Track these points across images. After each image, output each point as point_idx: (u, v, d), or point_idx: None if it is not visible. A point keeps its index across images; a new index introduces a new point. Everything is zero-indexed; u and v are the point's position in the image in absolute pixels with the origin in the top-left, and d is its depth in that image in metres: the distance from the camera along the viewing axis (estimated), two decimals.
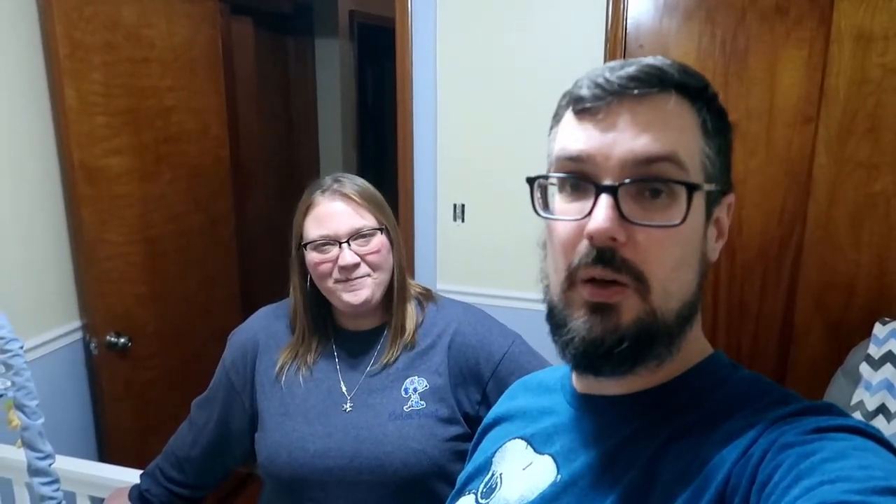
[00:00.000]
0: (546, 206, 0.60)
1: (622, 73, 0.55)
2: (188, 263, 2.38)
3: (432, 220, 2.44)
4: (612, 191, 0.53)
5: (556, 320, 0.59)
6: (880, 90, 1.90)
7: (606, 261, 0.54)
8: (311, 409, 1.11)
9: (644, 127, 0.54)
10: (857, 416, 1.71)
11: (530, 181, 0.60)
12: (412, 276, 2.41)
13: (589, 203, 0.54)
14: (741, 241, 2.11)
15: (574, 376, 0.69)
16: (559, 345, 0.58)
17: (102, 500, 1.45)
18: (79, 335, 2.08)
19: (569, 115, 0.59)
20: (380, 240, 1.10)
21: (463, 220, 2.40)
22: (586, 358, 0.56)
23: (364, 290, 1.09)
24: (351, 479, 1.06)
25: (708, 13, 2.02)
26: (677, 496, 0.52)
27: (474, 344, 1.13)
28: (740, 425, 0.53)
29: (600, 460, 0.59)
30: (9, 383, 0.92)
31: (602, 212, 0.53)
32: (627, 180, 0.53)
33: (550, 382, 0.73)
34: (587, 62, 2.13)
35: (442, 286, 2.44)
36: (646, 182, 0.54)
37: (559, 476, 0.62)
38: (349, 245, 1.07)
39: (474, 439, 0.82)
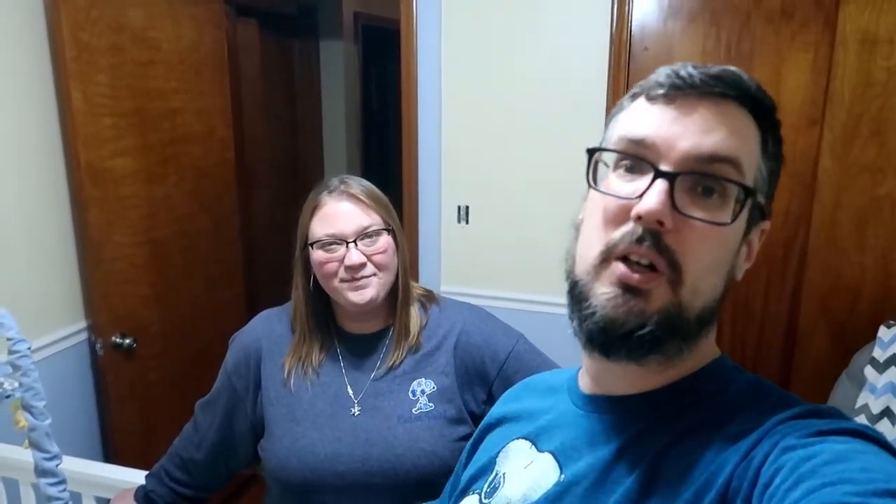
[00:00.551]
0: (596, 181, 0.60)
1: (706, 71, 0.56)
2: (193, 264, 2.39)
3: (436, 222, 2.44)
4: (670, 178, 0.54)
5: (578, 293, 0.59)
6: (886, 93, 1.90)
7: (652, 241, 0.54)
8: (320, 413, 1.11)
9: (715, 126, 0.55)
10: (862, 419, 1.71)
11: (590, 152, 0.60)
12: (416, 277, 2.41)
13: (643, 185, 0.55)
14: None
15: (581, 377, 0.69)
16: (577, 319, 0.58)
17: (108, 500, 1.45)
18: (84, 336, 2.09)
19: (640, 101, 0.59)
20: (386, 240, 1.11)
21: (467, 222, 2.40)
22: (604, 335, 0.56)
23: (369, 290, 1.09)
24: (362, 482, 1.06)
25: (713, 16, 2.02)
26: (679, 497, 0.52)
27: (479, 344, 1.14)
28: (742, 428, 0.53)
29: (605, 459, 0.59)
30: (16, 384, 0.93)
31: (655, 195, 0.53)
32: (687, 171, 0.54)
33: (556, 384, 0.74)
34: (592, 64, 2.13)
35: (446, 288, 2.45)
36: (703, 177, 0.54)
37: (562, 475, 0.62)
38: (356, 244, 1.08)
39: (474, 437, 0.82)
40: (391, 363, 1.13)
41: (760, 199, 0.57)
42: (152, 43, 2.13)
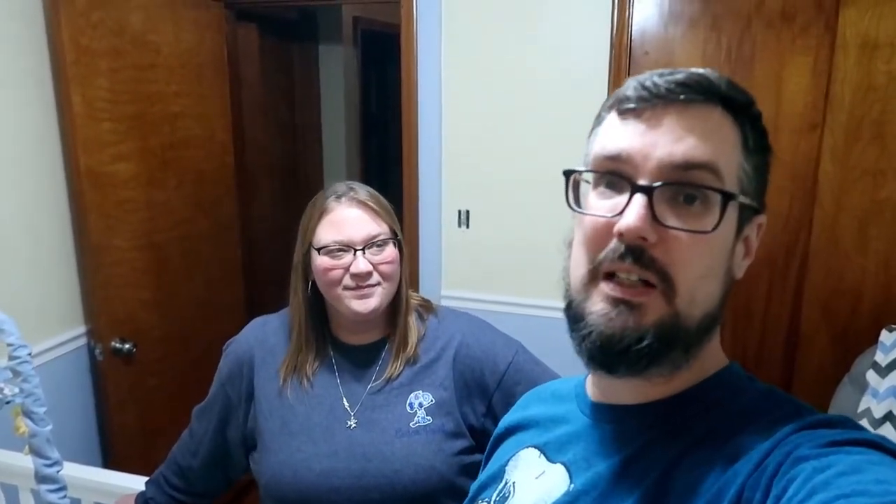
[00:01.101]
0: (578, 201, 0.60)
1: (670, 78, 0.55)
2: (193, 269, 2.39)
3: (437, 226, 2.44)
4: (648, 191, 0.53)
5: (573, 313, 0.59)
6: (886, 97, 1.90)
7: (635, 257, 0.54)
8: (315, 426, 1.09)
9: (686, 132, 0.54)
10: (864, 423, 1.70)
11: (566, 174, 0.60)
12: (417, 282, 2.41)
13: (623, 201, 0.55)
14: None
15: (588, 384, 0.68)
16: (576, 339, 0.58)
17: None
18: (84, 341, 2.08)
19: (612, 116, 0.59)
20: (392, 250, 1.09)
21: (468, 227, 2.40)
22: (602, 353, 0.56)
23: (373, 299, 1.07)
24: (358, 498, 1.04)
25: (713, 20, 2.02)
26: None
27: (479, 356, 1.12)
28: (754, 438, 0.53)
29: (614, 470, 0.59)
30: (17, 390, 0.92)
31: (634, 211, 0.53)
32: (663, 183, 0.54)
33: (564, 392, 0.73)
34: (592, 69, 2.13)
35: (447, 292, 2.44)
36: (681, 187, 0.54)
37: (572, 485, 0.61)
38: (363, 252, 1.06)
39: (487, 449, 0.82)
40: (389, 375, 1.11)
41: (744, 199, 0.56)
42: (152, 47, 2.13)
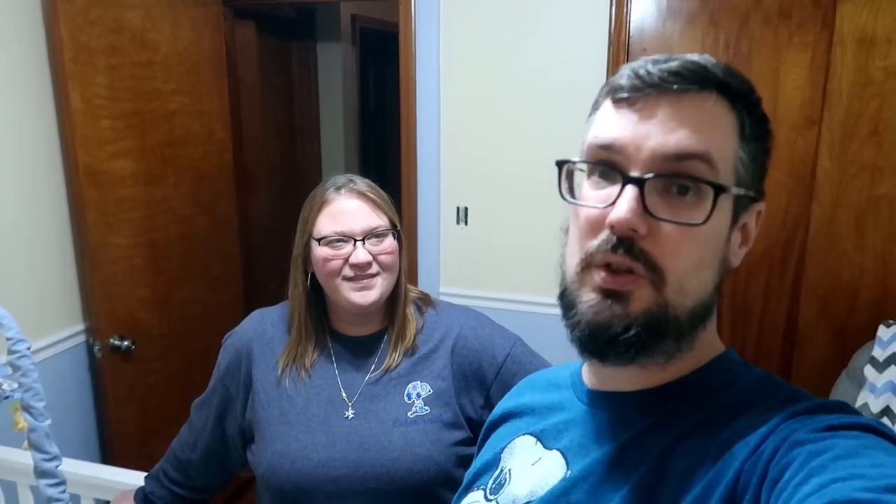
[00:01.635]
0: (572, 191, 0.60)
1: (664, 66, 0.55)
2: (192, 266, 2.39)
3: (435, 223, 2.44)
4: (639, 183, 0.53)
5: (566, 301, 0.59)
6: (883, 93, 1.90)
7: (626, 248, 0.54)
8: (313, 417, 1.10)
9: (679, 123, 0.54)
10: None
11: (559, 164, 0.60)
12: (415, 278, 2.41)
13: (615, 192, 0.55)
14: None
15: (584, 372, 0.69)
16: (568, 328, 0.59)
17: (108, 502, 1.45)
18: (83, 338, 2.08)
19: (606, 104, 0.59)
20: (392, 241, 1.10)
21: (466, 223, 2.40)
22: (592, 341, 0.56)
23: (373, 291, 1.08)
24: (356, 488, 1.05)
25: (711, 17, 2.03)
26: (688, 492, 0.52)
27: (477, 347, 1.13)
28: (751, 422, 0.53)
29: (611, 456, 0.59)
30: (16, 385, 0.92)
31: (625, 203, 0.53)
32: (655, 174, 0.54)
33: (560, 379, 0.73)
34: (590, 65, 2.14)
35: (445, 289, 2.44)
36: (673, 178, 0.54)
37: (569, 471, 0.62)
38: (363, 243, 1.07)
39: (481, 436, 0.82)
40: (388, 366, 1.12)
41: (738, 190, 0.56)
42: (151, 45, 2.13)
